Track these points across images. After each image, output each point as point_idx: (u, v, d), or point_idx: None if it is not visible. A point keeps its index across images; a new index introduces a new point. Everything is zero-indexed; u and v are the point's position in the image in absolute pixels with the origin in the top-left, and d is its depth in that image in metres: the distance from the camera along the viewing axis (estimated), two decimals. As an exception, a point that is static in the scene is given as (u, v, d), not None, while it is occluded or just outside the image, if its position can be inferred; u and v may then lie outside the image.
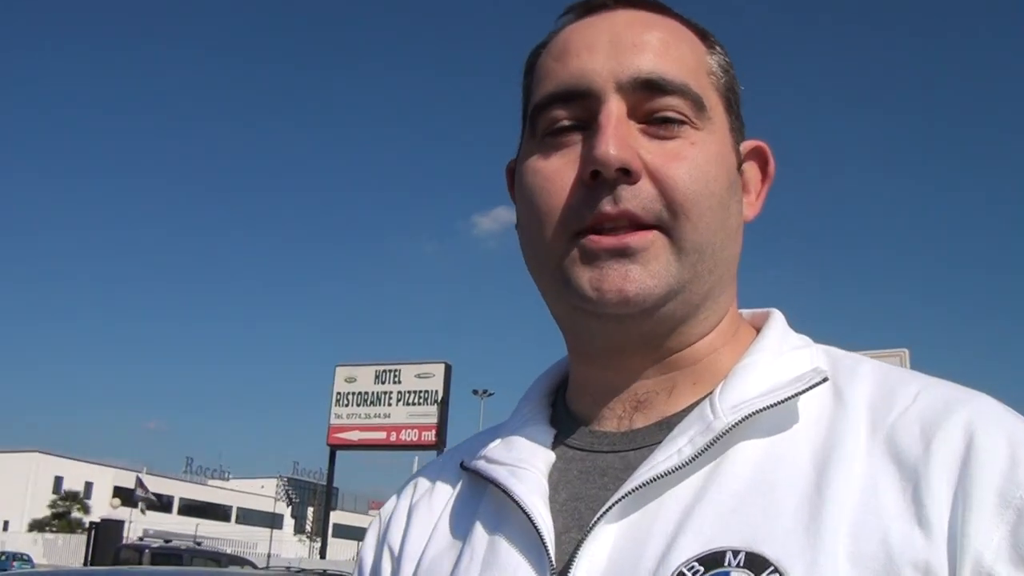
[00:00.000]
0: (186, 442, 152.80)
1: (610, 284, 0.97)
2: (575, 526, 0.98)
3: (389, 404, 25.57)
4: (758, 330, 1.10)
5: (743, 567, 0.86)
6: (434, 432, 25.22)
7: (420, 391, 25.51)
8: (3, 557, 44.86)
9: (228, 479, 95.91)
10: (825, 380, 0.98)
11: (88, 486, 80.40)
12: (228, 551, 33.24)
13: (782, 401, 0.96)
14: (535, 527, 0.97)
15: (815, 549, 0.85)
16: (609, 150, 0.96)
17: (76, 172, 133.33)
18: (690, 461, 0.94)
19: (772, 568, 0.85)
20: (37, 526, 68.15)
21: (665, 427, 1.01)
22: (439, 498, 1.16)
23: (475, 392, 62.68)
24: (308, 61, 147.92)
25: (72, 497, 74.28)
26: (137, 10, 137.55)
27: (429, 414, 25.59)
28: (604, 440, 1.06)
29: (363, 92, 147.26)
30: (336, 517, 64.22)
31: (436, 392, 25.40)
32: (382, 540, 1.18)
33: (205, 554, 24.58)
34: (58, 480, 79.61)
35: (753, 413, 0.95)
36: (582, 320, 1.04)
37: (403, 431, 25.54)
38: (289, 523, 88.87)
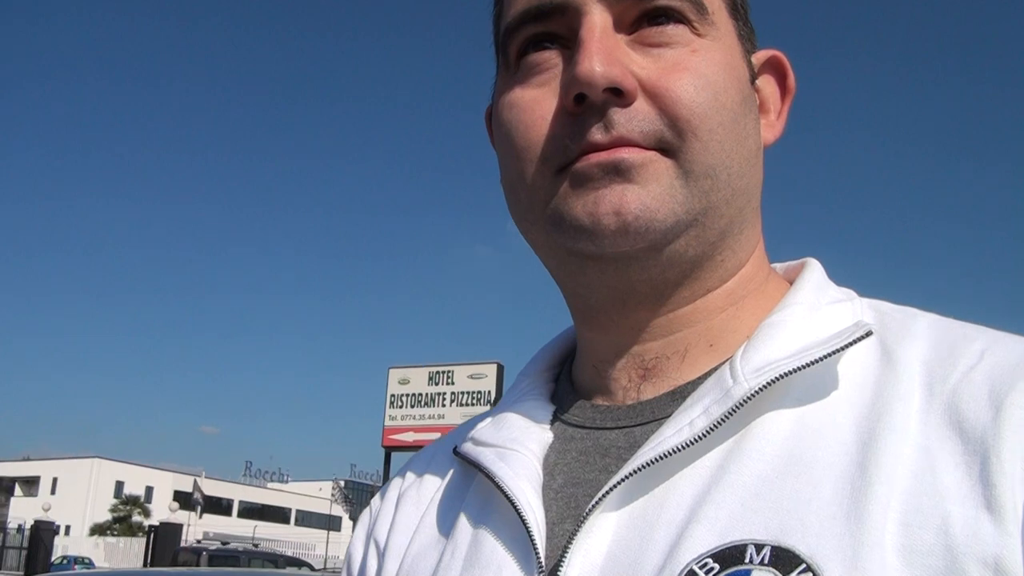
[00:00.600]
0: (245, 447, 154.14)
1: (606, 206, 0.83)
2: (570, 516, 0.85)
3: (443, 405, 25.50)
4: (791, 284, 0.94)
5: (768, 565, 0.70)
6: (488, 433, 25.19)
7: (473, 391, 25.42)
8: (64, 560, 45.52)
9: (287, 482, 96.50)
10: (868, 334, 0.82)
11: (148, 490, 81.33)
12: (287, 553, 33.47)
13: (817, 361, 0.80)
14: (522, 518, 0.84)
15: (857, 542, 0.69)
16: (594, 67, 0.82)
17: (145, 191, 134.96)
18: (704, 435, 0.79)
19: (804, 567, 0.69)
20: (98, 530, 68.94)
21: (678, 397, 0.87)
22: (428, 487, 1.03)
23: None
24: (366, 70, 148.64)
25: (133, 501, 75.13)
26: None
27: (483, 415, 25.52)
28: (608, 415, 0.92)
29: (414, 98, 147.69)
30: (393, 518, 64.24)
31: (489, 392, 25.30)
32: (369, 534, 1.07)
33: (262, 556, 24.78)
34: (119, 485, 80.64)
35: (781, 376, 0.80)
36: (579, 268, 0.90)
37: (457, 431, 25.54)
38: (347, 525, 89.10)
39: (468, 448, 0.95)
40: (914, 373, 0.80)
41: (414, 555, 0.95)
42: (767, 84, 0.98)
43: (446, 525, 0.95)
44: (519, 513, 0.84)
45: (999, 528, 0.67)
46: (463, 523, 0.92)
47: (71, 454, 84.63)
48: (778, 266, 1.00)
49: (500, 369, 25.33)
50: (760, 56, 0.97)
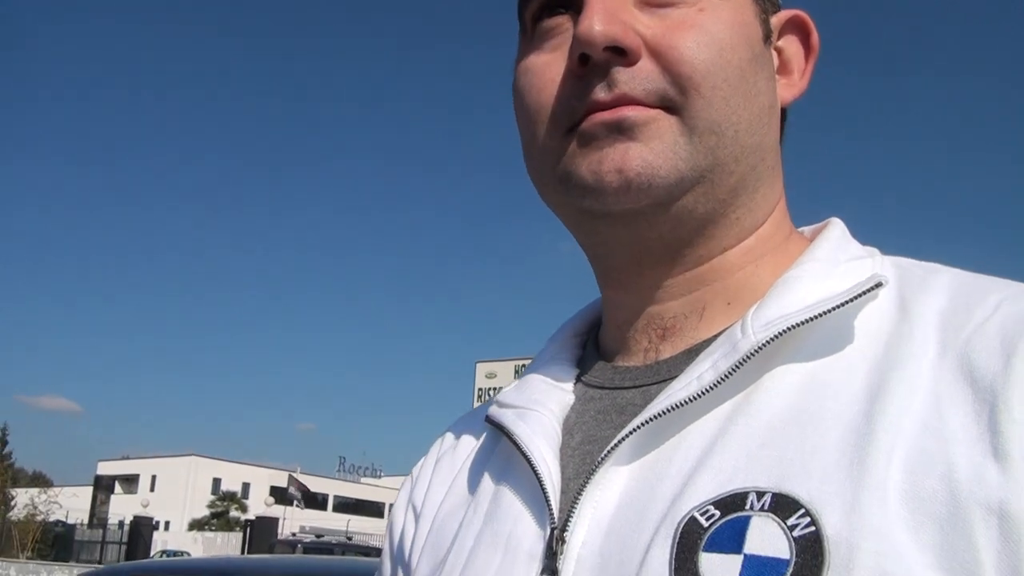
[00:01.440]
0: (339, 443, 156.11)
1: (608, 164, 0.84)
2: (585, 472, 0.85)
3: (530, 397, 25.56)
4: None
5: (768, 510, 0.70)
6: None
7: (559, 384, 25.43)
8: (163, 555, 46.56)
9: (380, 477, 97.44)
10: (879, 285, 0.81)
11: (245, 487, 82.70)
12: (380, 546, 33.82)
13: (827, 312, 0.80)
14: (537, 475, 0.86)
15: (858, 486, 0.69)
16: (593, 26, 0.83)
17: (239, 193, 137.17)
18: (712, 387, 0.80)
19: (802, 511, 0.69)
20: (197, 525, 70.19)
21: (693, 354, 0.87)
22: (462, 452, 1.06)
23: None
24: (452, 77, 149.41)
25: (230, 497, 76.44)
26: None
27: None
28: (627, 375, 0.93)
29: (491, 88, 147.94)
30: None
31: (574, 384, 25.29)
32: (408, 499, 1.09)
33: (355, 548, 24.99)
34: (216, 481, 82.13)
35: (790, 328, 0.79)
36: (593, 228, 0.92)
37: (543, 424, 25.47)
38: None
39: (493, 411, 0.97)
40: (929, 326, 0.78)
41: (444, 515, 0.99)
42: (790, 44, 0.98)
43: (473, 486, 0.98)
44: (534, 469, 0.86)
45: (1005, 475, 0.66)
46: (486, 482, 0.94)
47: (169, 452, 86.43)
48: (805, 229, 0.99)
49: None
50: (782, 16, 0.97)
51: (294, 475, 63.05)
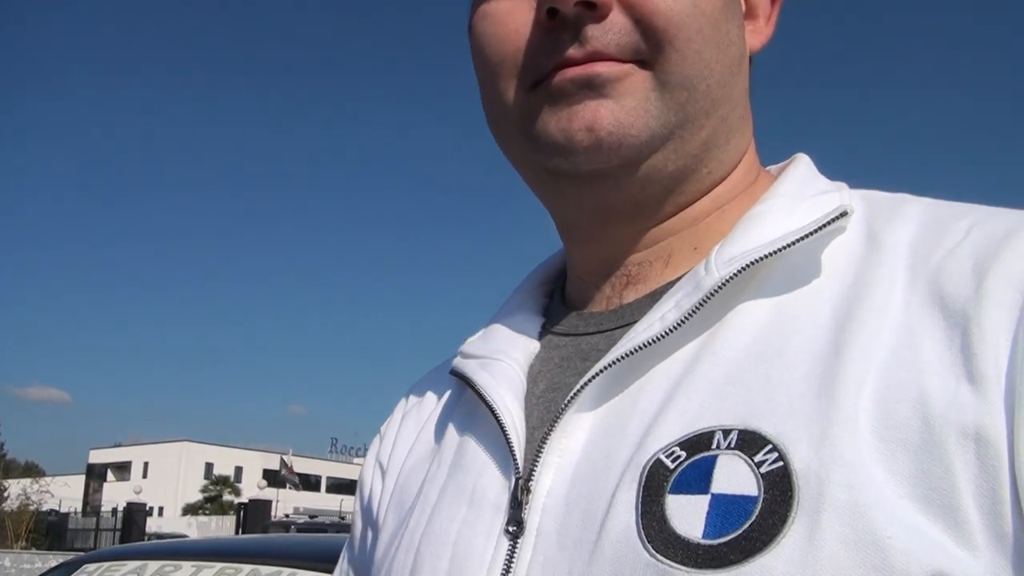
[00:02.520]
0: (330, 424, 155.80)
1: (579, 122, 0.81)
2: (549, 420, 0.83)
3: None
4: None
5: (734, 448, 0.69)
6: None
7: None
8: (149, 539, 46.60)
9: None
10: (845, 215, 0.79)
11: (238, 470, 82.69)
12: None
13: (791, 245, 0.77)
14: (500, 424, 0.84)
15: (827, 419, 0.67)
16: None
17: (214, 181, 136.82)
18: (676, 327, 0.78)
19: (769, 447, 0.67)
20: (190, 510, 70.19)
21: (658, 297, 0.85)
22: (427, 406, 1.05)
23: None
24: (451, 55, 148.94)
25: (223, 481, 76.43)
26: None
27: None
28: (590, 321, 0.91)
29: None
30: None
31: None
32: (376, 457, 1.09)
33: (348, 527, 25.08)
34: (209, 466, 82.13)
35: (754, 263, 0.77)
36: (557, 187, 0.89)
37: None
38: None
39: (457, 362, 0.96)
40: (899, 255, 0.76)
41: (408, 470, 0.98)
42: None
43: (438, 439, 0.97)
44: (498, 419, 0.84)
45: (980, 397, 0.64)
46: (451, 434, 0.94)
47: (161, 439, 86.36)
48: (771, 168, 0.96)
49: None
50: None
51: (286, 457, 62.99)
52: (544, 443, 0.80)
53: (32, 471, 66.48)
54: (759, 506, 0.65)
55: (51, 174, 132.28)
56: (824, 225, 0.78)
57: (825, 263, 0.79)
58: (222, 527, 51.89)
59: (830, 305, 0.76)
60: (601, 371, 0.79)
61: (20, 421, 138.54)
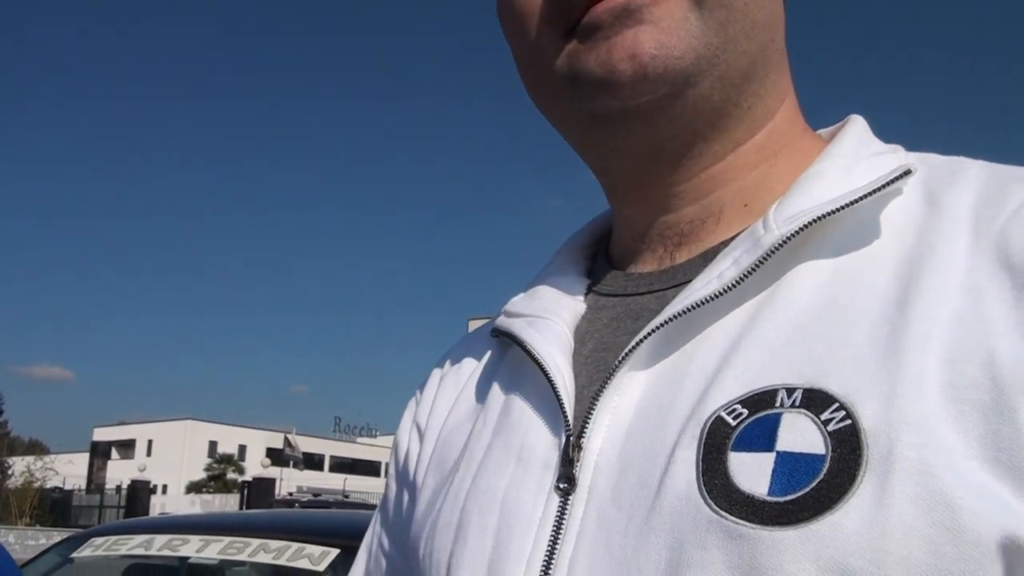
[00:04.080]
0: (334, 403, 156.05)
1: (619, 52, 0.78)
2: (599, 379, 0.81)
3: (523, 352, 25.55)
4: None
5: (800, 407, 0.67)
6: (568, 377, 25.07)
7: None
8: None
9: (376, 436, 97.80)
10: (908, 173, 0.76)
11: (242, 449, 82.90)
12: (376, 503, 34.04)
13: (853, 203, 0.75)
14: (550, 381, 0.82)
15: (894, 379, 0.65)
16: None
17: (215, 158, 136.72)
18: (734, 285, 0.76)
19: (836, 405, 0.66)
20: (194, 488, 70.37)
21: (710, 257, 0.82)
22: (466, 368, 1.03)
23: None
24: (431, 18, 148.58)
25: (226, 460, 76.59)
26: None
27: (562, 359, 25.41)
28: (640, 282, 0.89)
29: (480, 46, 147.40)
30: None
31: (568, 338, 25.24)
32: (413, 418, 1.07)
33: (352, 506, 25.15)
34: (212, 444, 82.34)
35: (815, 220, 0.75)
36: (604, 134, 0.85)
37: (538, 377, 25.47)
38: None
39: (501, 321, 0.94)
40: (960, 217, 0.74)
41: (449, 430, 0.97)
42: None
43: (480, 399, 0.95)
44: (547, 376, 0.82)
45: None
46: (495, 393, 0.92)
47: (165, 417, 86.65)
48: (822, 131, 0.93)
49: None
50: None
51: (290, 436, 63.21)
52: (596, 401, 0.78)
53: (36, 449, 66.84)
54: (827, 464, 0.64)
55: (53, 149, 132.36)
56: (886, 184, 0.76)
57: (884, 224, 0.78)
58: (226, 505, 51.99)
59: (892, 266, 0.74)
60: (656, 328, 0.77)
61: (24, 399, 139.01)
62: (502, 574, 0.78)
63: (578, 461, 0.77)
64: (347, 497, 30.06)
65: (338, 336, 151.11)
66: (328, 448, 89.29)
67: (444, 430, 0.97)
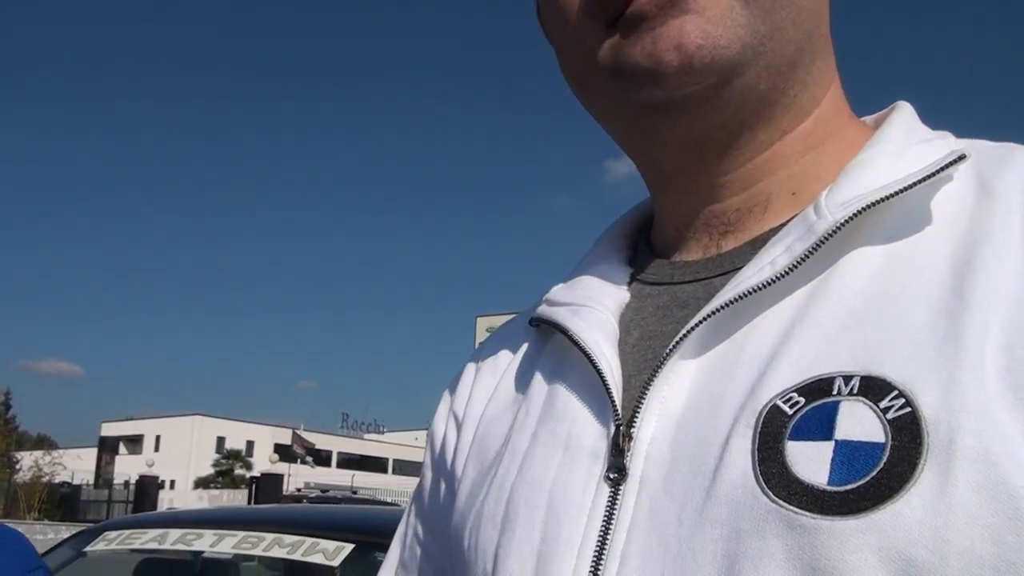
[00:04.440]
0: (341, 400, 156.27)
1: (665, 43, 0.77)
2: (647, 368, 0.80)
3: (531, 351, 25.45)
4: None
5: (858, 394, 0.66)
6: (576, 376, 24.96)
7: (561, 336, 25.26)
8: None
9: (383, 432, 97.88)
10: (962, 158, 0.75)
11: (249, 444, 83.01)
12: (386, 500, 34.09)
13: (906, 189, 0.74)
14: (597, 369, 0.81)
15: (953, 364, 0.64)
16: None
17: (221, 151, 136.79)
18: (787, 272, 0.75)
19: (895, 392, 0.65)
20: (202, 483, 70.55)
21: (759, 245, 0.81)
22: (504, 358, 1.01)
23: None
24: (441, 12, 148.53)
25: (234, 455, 76.76)
26: None
27: (571, 360, 25.30)
28: (686, 269, 0.87)
29: (485, 45, 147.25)
30: (488, 464, 65.07)
31: (575, 336, 25.11)
32: (449, 409, 1.05)
33: (361, 502, 25.20)
34: (220, 440, 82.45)
35: (869, 207, 0.74)
36: (649, 125, 0.84)
37: (546, 377, 25.36)
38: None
39: (542, 310, 0.93)
40: (1014, 203, 0.73)
41: (489, 420, 0.95)
42: None
43: (521, 388, 0.94)
44: (594, 364, 0.81)
45: None
46: (538, 383, 0.91)
47: (172, 412, 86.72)
48: (867, 118, 0.92)
49: (586, 313, 25.32)
50: None
51: (298, 432, 63.28)
52: (646, 389, 0.77)
53: (44, 444, 66.86)
54: (887, 453, 0.63)
55: (63, 141, 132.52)
56: (939, 170, 0.75)
57: (935, 211, 0.76)
58: (234, 500, 52.10)
59: (946, 252, 0.72)
60: (708, 316, 0.76)
61: (32, 394, 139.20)
62: (552, 565, 0.76)
63: (628, 451, 0.76)
64: (355, 493, 30.04)
65: (346, 333, 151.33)
66: (336, 444, 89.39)
67: (483, 420, 0.96)
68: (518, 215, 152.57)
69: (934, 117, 0.85)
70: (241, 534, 3.82)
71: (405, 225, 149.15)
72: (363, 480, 65.09)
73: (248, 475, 57.87)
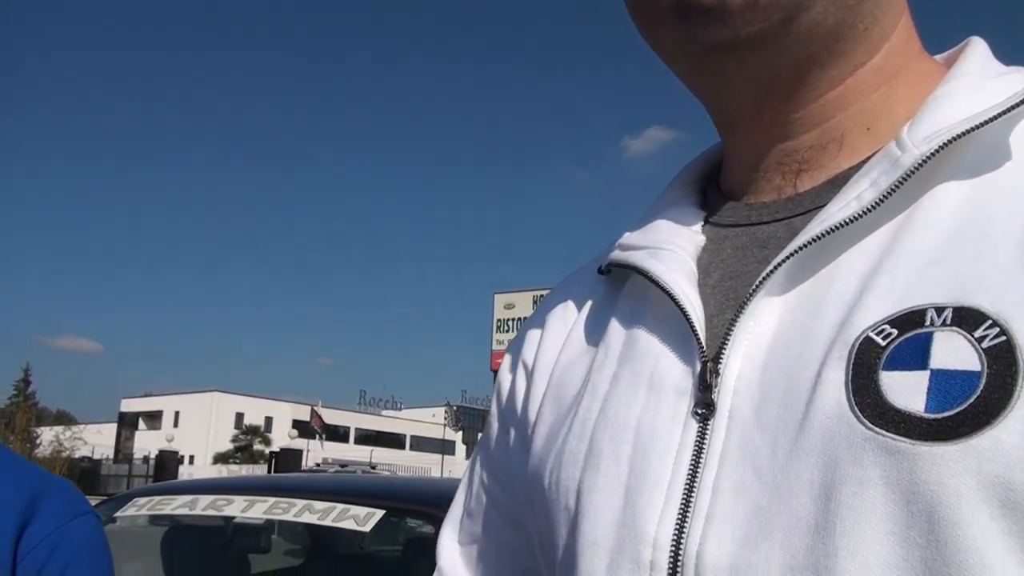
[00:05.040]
0: (359, 376, 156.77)
1: None
2: (730, 307, 0.81)
3: (549, 328, 25.34)
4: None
5: (951, 325, 0.67)
6: (594, 353, 24.83)
7: (578, 314, 25.14)
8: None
9: (400, 409, 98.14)
10: None
11: (268, 420, 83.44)
12: (402, 474, 34.26)
13: (991, 120, 0.74)
14: (680, 308, 0.81)
15: None
16: None
17: (245, 125, 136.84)
18: (873, 208, 0.75)
19: (989, 322, 0.65)
20: (221, 458, 70.96)
21: (838, 183, 0.81)
22: (573, 307, 1.01)
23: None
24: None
25: (253, 431, 77.16)
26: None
27: (588, 337, 25.18)
28: (763, 211, 0.87)
29: (504, 20, 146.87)
30: (505, 441, 65.27)
31: (593, 313, 24.97)
32: (515, 359, 1.05)
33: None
34: (239, 416, 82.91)
35: (953, 140, 0.74)
36: (717, 64, 0.83)
37: (563, 354, 25.27)
38: (461, 448, 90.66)
39: (616, 255, 0.92)
40: None
41: (563, 366, 0.95)
42: None
43: (596, 334, 0.94)
44: (676, 303, 0.81)
45: None
46: (614, 326, 0.90)
47: (191, 389, 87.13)
48: (938, 56, 0.90)
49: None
50: None
51: (316, 408, 63.52)
52: (732, 326, 0.77)
53: (63, 419, 67.24)
54: (983, 380, 0.64)
55: (80, 119, 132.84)
56: (1021, 102, 0.74)
57: (1015, 144, 0.76)
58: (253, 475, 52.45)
59: None
60: (793, 253, 0.76)
61: (52, 371, 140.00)
62: (641, 498, 0.77)
63: (716, 386, 0.76)
64: (374, 467, 30.13)
65: (363, 311, 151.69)
66: (353, 420, 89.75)
67: (558, 367, 0.95)
68: (536, 192, 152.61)
69: (1006, 56, 0.86)
70: (271, 500, 3.80)
71: (423, 203, 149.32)
72: (381, 456, 65.27)
73: (267, 451, 58.13)
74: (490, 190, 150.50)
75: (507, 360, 1.08)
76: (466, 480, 1.10)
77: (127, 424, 57.44)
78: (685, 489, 0.75)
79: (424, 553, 4.03)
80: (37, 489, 1.22)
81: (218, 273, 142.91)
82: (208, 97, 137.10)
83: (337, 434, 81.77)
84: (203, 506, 3.92)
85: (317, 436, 60.34)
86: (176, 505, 4.01)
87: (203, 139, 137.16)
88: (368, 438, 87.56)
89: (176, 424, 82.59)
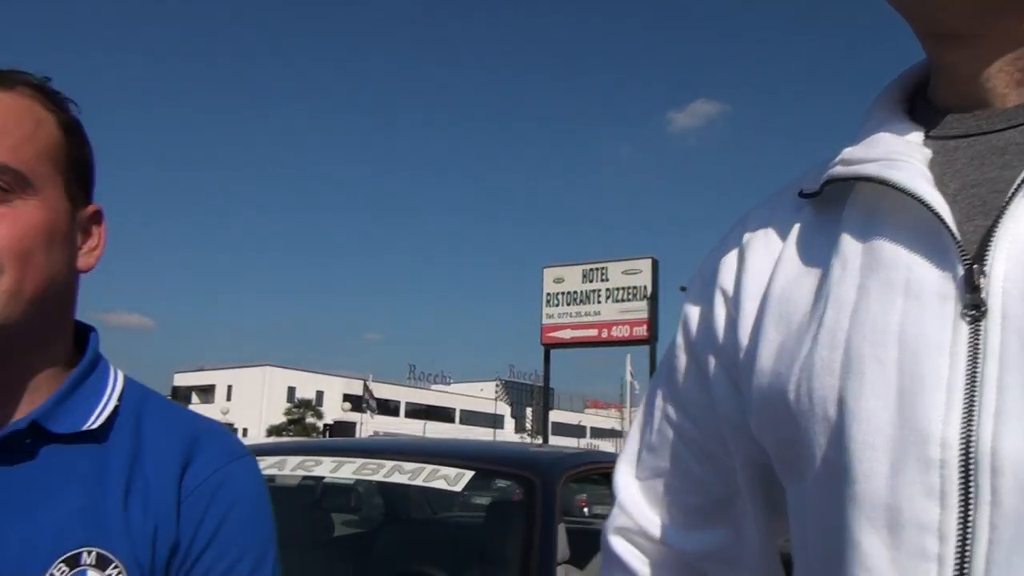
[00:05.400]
0: (408, 351, 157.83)
1: None
2: (979, 213, 0.79)
3: (598, 302, 25.21)
4: None
5: None
6: (645, 327, 24.59)
7: (628, 287, 24.99)
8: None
9: (449, 383, 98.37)
10: None
11: (319, 394, 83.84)
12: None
13: None
14: (934, 212, 0.78)
15: None
16: None
17: (296, 103, 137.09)
18: None
19: None
20: (275, 431, 71.30)
21: None
22: (776, 233, 0.97)
23: (682, 289, 61.81)
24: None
25: (305, 404, 77.55)
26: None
27: (639, 309, 25.02)
28: (992, 119, 0.84)
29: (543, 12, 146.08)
30: (554, 416, 65.36)
31: (645, 287, 24.81)
32: (710, 286, 1.02)
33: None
34: (291, 390, 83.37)
35: None
36: None
37: (614, 327, 25.11)
38: (509, 423, 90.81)
39: (839, 170, 0.89)
40: None
41: (783, 286, 0.92)
42: None
43: (816, 253, 0.90)
44: (929, 207, 0.79)
45: None
46: (845, 241, 0.87)
47: (243, 363, 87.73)
48: None
49: (655, 264, 25.01)
50: None
51: (367, 383, 63.79)
52: (994, 229, 0.75)
53: (117, 394, 67.77)
54: None
55: (133, 94, 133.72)
56: None
57: None
58: (306, 448, 52.76)
59: None
60: None
61: (104, 346, 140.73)
62: (919, 399, 0.76)
63: (984, 288, 0.75)
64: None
65: (412, 285, 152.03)
66: (403, 395, 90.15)
67: (775, 287, 0.92)
68: (582, 167, 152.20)
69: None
70: (360, 461, 3.83)
71: (473, 179, 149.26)
72: (431, 429, 65.57)
73: (320, 424, 58.47)
74: (538, 165, 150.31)
75: (692, 292, 1.06)
76: (643, 417, 1.10)
77: (180, 398, 58.31)
78: (967, 389, 0.73)
79: (510, 516, 4.13)
80: (196, 431, 1.21)
81: (267, 249, 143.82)
82: (266, 58, 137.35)
83: (388, 408, 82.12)
84: (292, 466, 3.91)
85: (367, 410, 60.67)
86: (265, 466, 4.02)
87: (261, 114, 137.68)
88: (418, 412, 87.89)
89: (229, 398, 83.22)
